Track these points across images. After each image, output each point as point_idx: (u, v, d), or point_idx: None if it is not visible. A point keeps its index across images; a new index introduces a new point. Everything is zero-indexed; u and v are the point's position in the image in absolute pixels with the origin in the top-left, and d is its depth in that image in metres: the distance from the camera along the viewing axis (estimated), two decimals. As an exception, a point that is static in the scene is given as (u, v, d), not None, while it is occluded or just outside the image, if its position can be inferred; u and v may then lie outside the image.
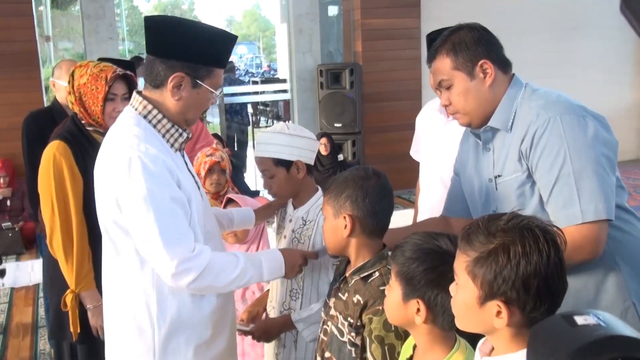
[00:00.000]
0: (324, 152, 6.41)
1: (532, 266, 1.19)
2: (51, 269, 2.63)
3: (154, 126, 1.90)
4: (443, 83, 1.95)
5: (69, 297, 2.45)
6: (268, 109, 9.39)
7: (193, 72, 1.85)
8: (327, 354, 1.84)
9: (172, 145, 1.93)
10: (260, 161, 2.25)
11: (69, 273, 2.43)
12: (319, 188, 2.34)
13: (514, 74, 1.98)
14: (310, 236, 2.23)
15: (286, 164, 2.20)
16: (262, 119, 9.11)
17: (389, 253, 1.73)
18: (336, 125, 6.99)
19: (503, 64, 1.94)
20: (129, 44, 26.23)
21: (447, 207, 2.26)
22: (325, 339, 1.86)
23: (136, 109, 1.91)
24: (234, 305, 2.19)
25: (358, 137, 7.24)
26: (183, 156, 2.02)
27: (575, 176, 1.73)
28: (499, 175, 1.91)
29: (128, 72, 2.63)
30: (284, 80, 8.54)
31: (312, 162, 2.29)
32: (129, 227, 1.83)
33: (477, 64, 1.90)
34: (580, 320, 0.93)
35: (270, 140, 2.22)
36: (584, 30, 8.34)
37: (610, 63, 8.36)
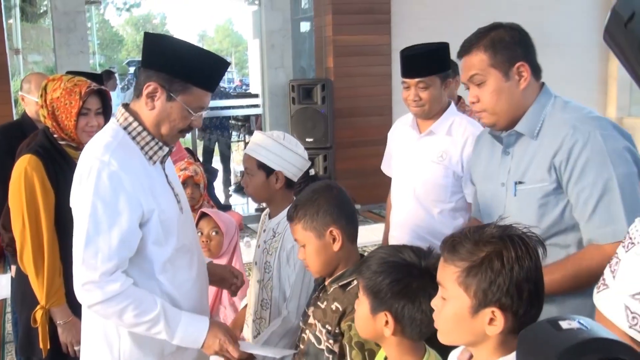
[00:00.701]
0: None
1: (524, 271, 1.23)
2: (22, 284, 2.60)
3: (134, 138, 1.92)
4: (475, 78, 1.90)
5: (38, 313, 2.43)
6: (240, 123, 9.39)
7: (167, 85, 1.86)
8: None
9: (150, 158, 1.94)
10: (246, 159, 2.31)
11: (39, 288, 2.41)
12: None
13: (543, 83, 1.96)
14: (276, 248, 2.27)
15: (267, 170, 2.25)
16: (234, 133, 9.11)
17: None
18: (308, 140, 7.03)
19: (537, 70, 1.92)
20: (99, 57, 26.05)
21: (475, 211, 2.24)
22: (302, 347, 1.89)
23: (118, 120, 1.94)
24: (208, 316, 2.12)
25: (329, 151, 7.29)
26: (164, 169, 2.03)
27: (621, 193, 1.73)
28: (520, 182, 1.89)
29: (102, 87, 2.63)
30: (256, 95, 8.56)
31: (294, 178, 2.33)
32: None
33: (515, 66, 1.87)
34: (564, 324, 0.96)
35: (262, 143, 2.27)
36: (553, 47, 8.54)
37: (577, 81, 8.55)
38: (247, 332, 2.54)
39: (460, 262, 1.27)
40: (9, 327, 4.62)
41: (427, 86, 2.56)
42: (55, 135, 2.52)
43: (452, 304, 1.29)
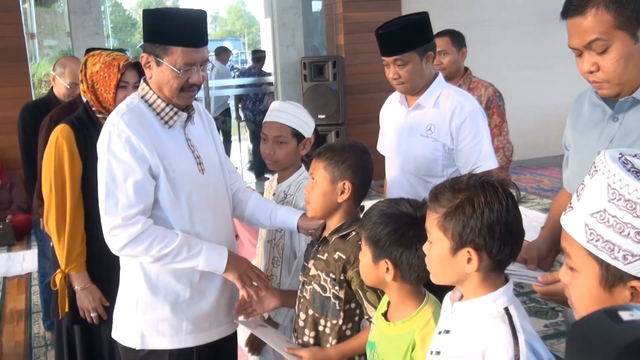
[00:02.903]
0: (307, 142, 6.58)
1: (494, 214, 1.34)
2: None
3: (150, 105, 2.12)
4: (596, 45, 1.57)
5: (58, 277, 2.54)
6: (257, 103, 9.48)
7: (152, 51, 2.05)
8: (310, 312, 2.00)
9: (166, 122, 2.12)
10: (279, 127, 2.41)
11: (60, 252, 2.52)
12: (302, 165, 2.50)
13: None
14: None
15: (300, 138, 2.38)
16: (246, 112, 9.21)
17: (361, 216, 1.89)
18: (320, 116, 7.13)
19: None
20: (113, 40, 26.20)
21: (566, 182, 1.99)
22: (307, 297, 2.02)
23: (138, 92, 2.16)
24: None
25: (341, 127, 7.39)
26: (185, 134, 2.17)
27: None
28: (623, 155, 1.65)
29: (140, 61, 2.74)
30: (269, 74, 8.67)
31: (305, 135, 2.48)
32: None
33: None
34: (625, 315, 0.85)
35: (293, 112, 2.39)
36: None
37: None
38: None
39: (440, 208, 1.40)
40: (35, 298, 4.82)
41: (405, 63, 2.49)
42: (94, 109, 2.59)
43: (436, 246, 1.42)
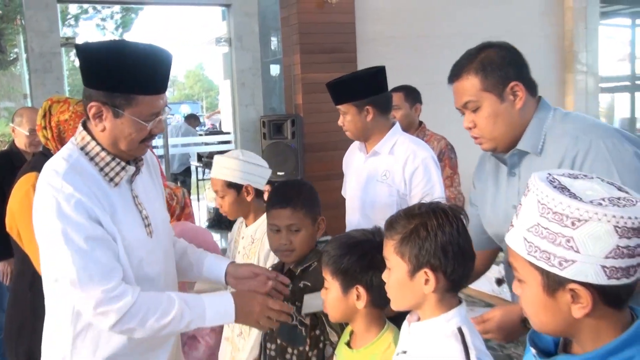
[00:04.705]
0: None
1: (446, 235, 1.47)
2: (18, 314, 2.58)
3: (92, 158, 1.82)
4: (470, 105, 1.83)
5: None
6: (212, 160, 9.59)
7: (109, 101, 1.74)
8: (278, 341, 2.07)
9: (111, 180, 1.83)
10: (214, 182, 2.50)
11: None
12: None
13: (540, 97, 1.90)
14: (256, 252, 2.48)
15: (237, 187, 2.46)
16: (207, 170, 9.31)
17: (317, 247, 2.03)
18: (279, 173, 7.24)
19: (532, 86, 1.85)
20: (70, 103, 26.10)
21: (478, 242, 2.03)
22: (274, 328, 2.08)
23: (76, 140, 1.85)
24: (168, 353, 2.04)
25: (300, 185, 7.50)
26: (132, 190, 1.91)
27: None
28: None
29: None
30: (228, 132, 8.81)
31: (261, 187, 2.55)
32: (50, 267, 1.79)
33: (508, 86, 1.80)
34: None
35: (225, 164, 2.48)
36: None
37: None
38: (226, 346, 2.70)
39: (397, 235, 1.52)
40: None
41: (344, 113, 2.75)
42: None
43: (394, 272, 1.53)
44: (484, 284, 3.58)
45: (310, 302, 1.97)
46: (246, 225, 2.62)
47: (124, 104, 1.74)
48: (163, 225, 2.01)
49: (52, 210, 1.70)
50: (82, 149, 1.82)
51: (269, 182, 6.85)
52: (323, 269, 1.81)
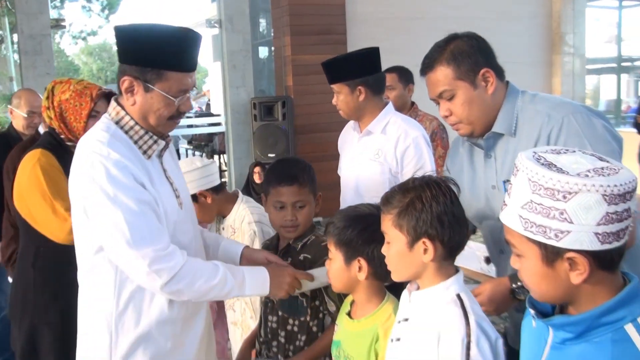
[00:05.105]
0: (257, 180, 6.72)
1: (441, 206, 1.54)
2: (21, 292, 2.62)
3: (126, 132, 1.89)
4: (445, 94, 1.91)
5: None
6: (203, 143, 9.63)
7: (141, 76, 1.83)
8: (279, 313, 2.14)
9: (144, 152, 1.90)
10: None
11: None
12: (237, 195, 2.69)
13: (508, 81, 1.98)
14: (240, 240, 2.56)
15: (193, 198, 2.44)
16: (198, 153, 9.33)
17: (316, 224, 2.12)
18: (270, 155, 7.30)
19: (500, 72, 1.94)
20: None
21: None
22: (275, 300, 2.16)
23: (110, 115, 1.92)
24: (204, 321, 2.12)
25: (291, 166, 7.55)
26: (162, 163, 1.99)
27: None
28: (508, 180, 1.76)
29: (112, 90, 2.64)
30: (218, 115, 8.83)
31: (215, 183, 2.60)
32: (98, 234, 1.80)
33: (479, 73, 1.88)
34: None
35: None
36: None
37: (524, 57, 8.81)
38: (235, 330, 2.78)
39: (393, 209, 1.58)
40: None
41: (337, 93, 2.80)
42: (62, 136, 2.55)
43: (394, 244, 1.60)
44: (473, 263, 3.66)
45: (319, 278, 2.02)
46: (223, 217, 2.70)
47: (155, 78, 1.82)
48: (188, 200, 2.09)
49: (102, 175, 1.75)
50: (117, 122, 1.89)
51: (258, 164, 6.93)
52: (328, 239, 1.87)
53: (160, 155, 1.98)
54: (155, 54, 1.81)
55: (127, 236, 1.74)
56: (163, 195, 1.90)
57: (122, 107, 1.90)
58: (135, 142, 1.89)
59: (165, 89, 1.84)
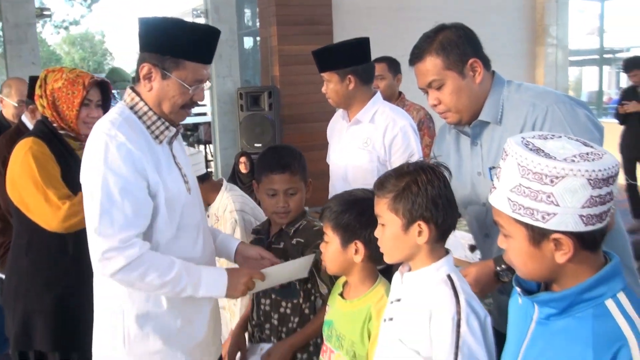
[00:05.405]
0: (243, 170, 6.76)
1: (435, 189, 1.60)
2: (14, 276, 2.65)
3: (140, 117, 1.97)
4: (434, 83, 1.95)
5: None
6: (189, 132, 9.63)
7: (160, 63, 1.92)
8: (272, 296, 2.20)
9: (156, 137, 1.98)
10: None
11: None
12: (222, 184, 2.75)
13: (494, 71, 2.04)
14: (223, 229, 2.61)
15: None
16: (184, 143, 9.38)
17: (307, 210, 2.22)
18: (256, 145, 7.33)
19: (487, 62, 1.99)
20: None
21: None
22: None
23: (125, 101, 2.01)
24: (212, 301, 2.18)
25: (278, 156, 7.59)
26: (172, 150, 2.06)
27: None
28: (494, 167, 1.89)
29: (105, 79, 2.68)
30: (204, 105, 8.83)
31: (200, 172, 2.67)
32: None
33: (467, 63, 1.93)
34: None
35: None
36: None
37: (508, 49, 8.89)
38: (224, 314, 2.82)
39: (389, 193, 1.64)
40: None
41: (327, 81, 2.86)
42: (54, 125, 2.56)
43: (388, 227, 1.65)
44: (458, 250, 3.75)
45: (284, 274, 2.07)
46: (208, 205, 2.74)
47: (173, 66, 1.91)
48: (196, 187, 2.16)
49: (100, 154, 1.84)
50: (131, 108, 1.97)
51: (244, 153, 6.96)
52: (324, 223, 1.93)
53: (170, 142, 2.07)
54: (175, 44, 1.90)
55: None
56: (172, 180, 1.99)
57: (138, 94, 1.99)
58: (148, 127, 1.98)
59: (181, 77, 1.92)
